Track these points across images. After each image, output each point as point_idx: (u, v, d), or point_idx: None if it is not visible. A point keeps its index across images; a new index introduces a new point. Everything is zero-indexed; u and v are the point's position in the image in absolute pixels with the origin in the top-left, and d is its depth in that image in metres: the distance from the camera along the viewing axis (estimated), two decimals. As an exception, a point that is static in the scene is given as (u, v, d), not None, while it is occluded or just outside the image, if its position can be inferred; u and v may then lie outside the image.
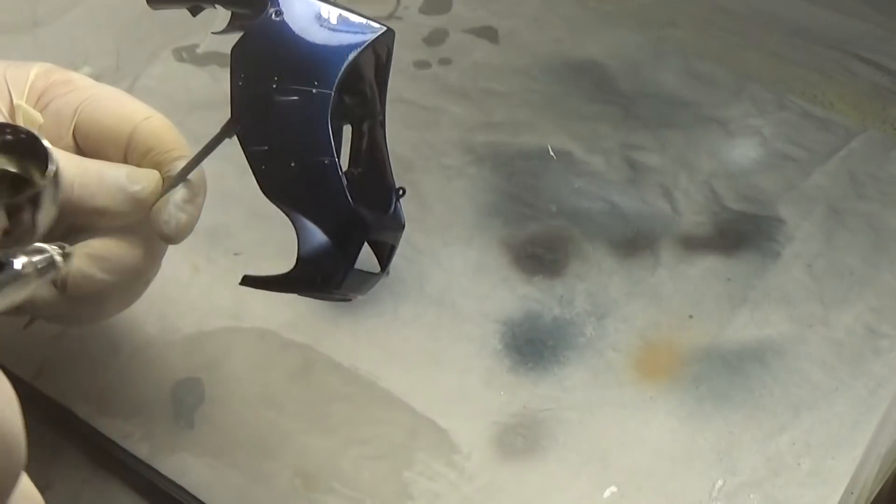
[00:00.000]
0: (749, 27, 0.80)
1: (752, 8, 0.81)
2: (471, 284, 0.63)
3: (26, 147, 0.43)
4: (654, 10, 0.81)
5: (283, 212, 0.45)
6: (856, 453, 0.56)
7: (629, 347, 0.61)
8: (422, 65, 0.76)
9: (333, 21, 0.46)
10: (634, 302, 0.63)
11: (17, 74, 0.48)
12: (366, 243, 0.48)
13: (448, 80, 0.75)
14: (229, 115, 0.46)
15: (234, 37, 0.46)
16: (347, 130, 0.51)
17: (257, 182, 0.45)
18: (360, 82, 0.48)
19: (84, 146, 0.49)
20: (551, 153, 0.71)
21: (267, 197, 0.45)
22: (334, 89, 0.45)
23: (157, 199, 0.47)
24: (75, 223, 0.48)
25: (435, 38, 0.78)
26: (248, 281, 0.47)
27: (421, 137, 0.71)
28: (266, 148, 0.45)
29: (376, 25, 0.46)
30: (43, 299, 0.46)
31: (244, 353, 0.60)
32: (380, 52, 0.48)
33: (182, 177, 0.47)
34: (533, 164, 0.70)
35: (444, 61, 0.77)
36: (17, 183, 0.43)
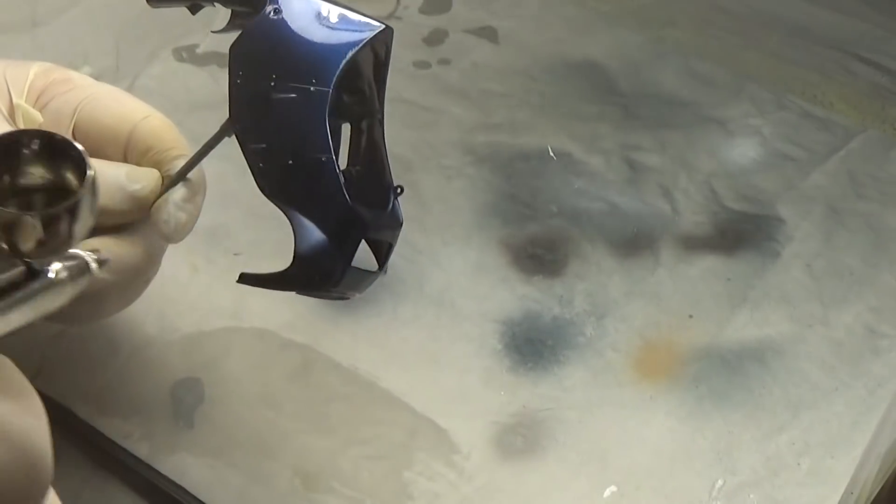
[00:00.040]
0: (749, 27, 0.80)
1: (751, 8, 0.81)
2: (470, 284, 0.63)
3: (61, 153, 0.41)
4: (653, 10, 0.81)
5: (281, 210, 0.45)
6: (856, 453, 0.56)
7: (629, 347, 0.60)
8: (421, 65, 0.76)
9: (332, 19, 0.46)
10: (634, 302, 0.63)
11: (16, 73, 0.48)
12: (364, 241, 0.48)
13: (448, 80, 0.75)
14: (228, 115, 0.46)
15: (234, 36, 0.46)
16: (346, 129, 0.51)
17: (255, 180, 0.45)
18: (359, 80, 0.48)
19: (83, 145, 0.48)
20: (551, 153, 0.71)
21: (265, 195, 0.45)
22: (332, 87, 0.45)
23: (157, 198, 0.47)
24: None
25: (435, 38, 0.78)
26: (245, 279, 0.47)
27: (420, 137, 0.71)
28: (264, 146, 0.45)
29: (375, 23, 0.46)
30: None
31: (243, 352, 0.60)
32: (378, 50, 0.48)
33: (181, 176, 0.47)
34: (532, 165, 0.70)
35: (444, 61, 0.77)
36: (52, 191, 0.42)
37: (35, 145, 0.42)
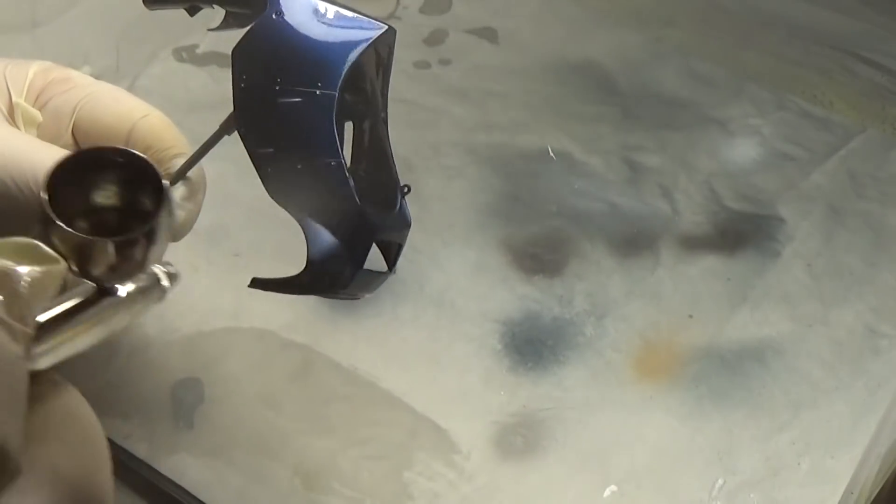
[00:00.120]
0: (749, 27, 0.80)
1: (751, 8, 0.81)
2: (470, 284, 0.63)
3: (136, 173, 0.41)
4: (653, 10, 0.81)
5: (291, 214, 0.45)
6: (856, 453, 0.56)
7: (629, 347, 0.60)
8: (422, 65, 0.76)
9: (334, 20, 0.45)
10: (634, 302, 0.63)
11: (16, 73, 0.48)
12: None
13: (448, 80, 0.75)
14: (233, 118, 0.45)
15: (234, 37, 0.46)
16: (349, 128, 0.51)
17: (264, 185, 0.45)
18: (362, 81, 0.48)
19: (83, 144, 0.49)
20: (551, 154, 0.70)
21: (274, 200, 0.45)
22: (338, 90, 0.44)
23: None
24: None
25: (435, 39, 0.78)
26: (257, 283, 0.47)
27: (421, 138, 0.71)
28: (271, 150, 0.44)
29: (377, 24, 0.46)
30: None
31: (243, 353, 0.60)
32: (381, 50, 0.48)
33: (181, 174, 0.47)
34: (533, 165, 0.70)
35: (444, 61, 0.77)
36: (125, 211, 0.42)
37: (109, 164, 0.41)
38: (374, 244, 0.48)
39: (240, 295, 0.61)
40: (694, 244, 0.66)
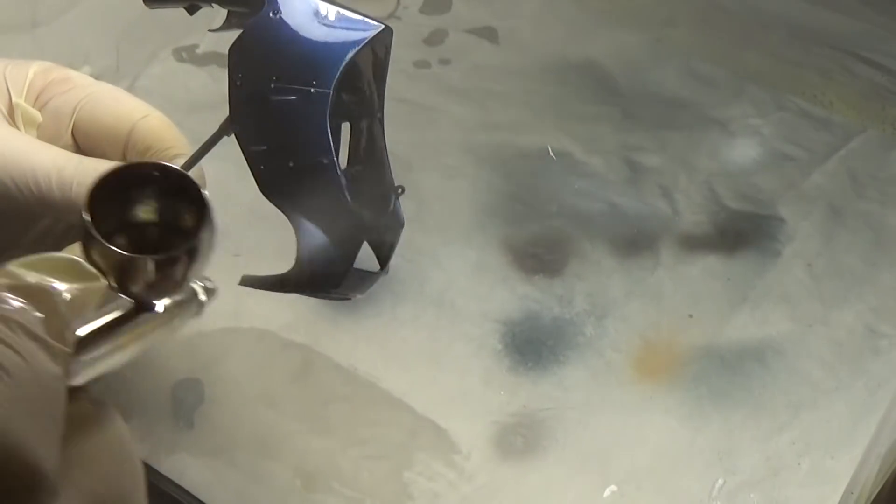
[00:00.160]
0: (749, 27, 0.80)
1: (751, 8, 0.81)
2: (470, 284, 0.63)
3: (176, 188, 0.40)
4: (653, 10, 0.81)
5: (283, 212, 0.45)
6: (856, 453, 0.56)
7: (629, 347, 0.60)
8: (422, 65, 0.76)
9: (331, 19, 0.45)
10: (634, 302, 0.63)
11: (15, 73, 0.48)
12: (365, 242, 0.48)
13: (448, 80, 0.75)
14: (228, 115, 0.45)
15: (234, 36, 0.46)
16: (346, 129, 0.51)
17: (256, 182, 0.45)
18: (359, 80, 0.48)
19: (83, 144, 0.49)
20: (551, 153, 0.70)
21: (266, 197, 0.45)
22: (333, 89, 0.44)
23: (156, 198, 0.47)
24: (74, 222, 0.48)
25: (435, 38, 0.78)
26: (246, 281, 0.47)
27: (421, 137, 0.71)
28: (265, 148, 0.45)
29: (374, 23, 0.46)
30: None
31: (243, 353, 0.60)
32: (378, 50, 0.48)
33: (181, 175, 0.46)
34: (533, 165, 0.70)
35: (444, 61, 0.77)
36: (165, 227, 0.41)
37: (148, 179, 0.40)
38: (366, 244, 0.48)
39: (240, 295, 0.60)
40: (694, 244, 0.66)
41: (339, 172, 0.45)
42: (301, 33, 0.45)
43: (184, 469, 0.55)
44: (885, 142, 0.72)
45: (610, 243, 0.65)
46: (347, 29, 0.45)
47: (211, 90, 0.73)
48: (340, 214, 0.45)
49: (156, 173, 0.40)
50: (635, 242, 0.66)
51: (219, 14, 0.50)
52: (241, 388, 0.58)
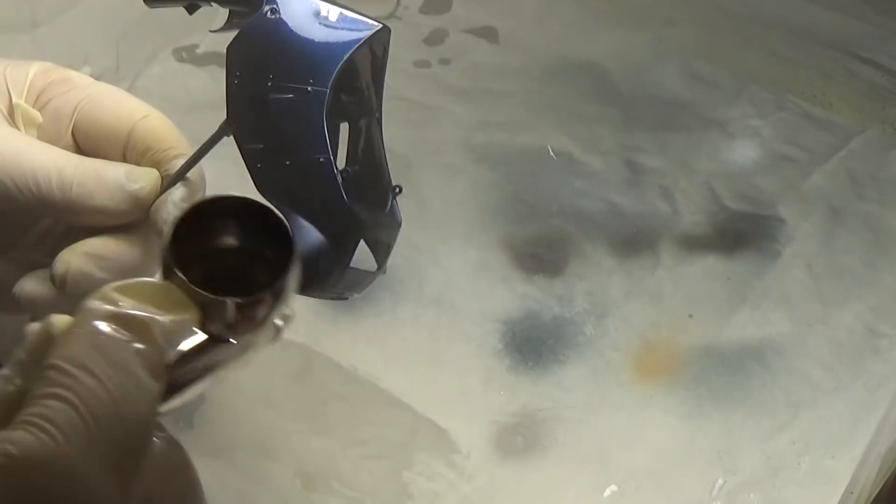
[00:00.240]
0: (749, 27, 0.80)
1: (751, 8, 0.81)
2: (470, 284, 0.63)
3: (259, 222, 0.40)
4: (653, 10, 0.81)
5: (279, 211, 0.45)
6: (856, 453, 0.56)
7: (629, 347, 0.60)
8: (422, 64, 0.76)
9: (329, 18, 0.46)
10: (634, 301, 0.63)
11: (15, 73, 0.48)
12: (362, 241, 0.48)
13: (448, 79, 0.75)
14: (226, 115, 0.45)
15: (233, 36, 0.46)
16: (344, 129, 0.51)
17: (253, 180, 0.45)
18: (357, 80, 0.48)
19: (83, 145, 0.48)
20: (551, 153, 0.71)
21: (262, 195, 0.45)
22: (330, 87, 0.44)
23: (156, 198, 0.47)
24: (74, 222, 0.48)
25: (435, 38, 0.78)
26: None
27: (421, 136, 0.71)
28: (262, 146, 0.45)
29: (372, 23, 0.46)
30: (42, 298, 0.46)
31: (243, 352, 0.60)
32: (376, 49, 0.48)
33: (181, 175, 0.47)
34: (533, 164, 0.70)
35: (444, 61, 0.77)
36: (243, 260, 0.41)
37: (230, 211, 0.40)
38: (363, 243, 0.48)
39: (240, 295, 0.61)
40: (694, 244, 0.66)
41: (335, 171, 0.45)
42: (299, 32, 0.45)
43: (184, 469, 0.55)
44: (885, 142, 0.72)
45: (610, 243, 0.66)
46: (345, 28, 0.45)
47: (211, 90, 0.73)
48: (337, 213, 0.45)
49: (241, 206, 0.40)
50: (635, 242, 0.66)
51: (219, 14, 0.50)
52: (241, 388, 0.58)
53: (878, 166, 0.70)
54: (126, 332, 0.35)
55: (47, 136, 0.48)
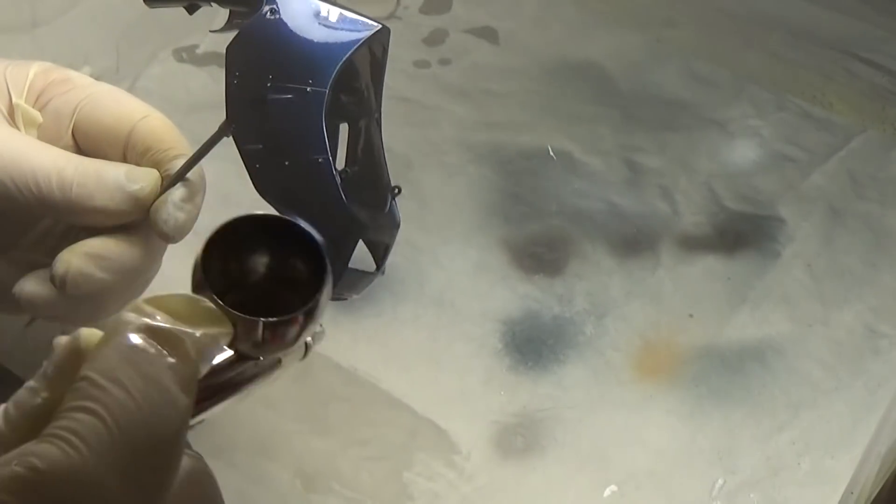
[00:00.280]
0: (749, 27, 0.80)
1: (751, 8, 0.81)
2: (470, 284, 0.63)
3: (291, 241, 0.40)
4: (653, 10, 0.81)
5: (278, 211, 0.45)
6: (856, 453, 0.56)
7: (629, 346, 0.60)
8: (422, 64, 0.76)
9: (329, 19, 0.46)
10: (634, 301, 0.63)
11: (16, 73, 0.48)
12: (361, 242, 0.48)
13: (448, 79, 0.75)
14: (225, 116, 0.45)
15: (233, 36, 0.46)
16: (344, 129, 0.51)
17: (252, 181, 0.45)
18: (356, 80, 0.48)
19: (83, 145, 0.49)
20: (551, 153, 0.71)
21: (261, 196, 0.45)
22: (329, 87, 0.44)
23: (156, 198, 0.47)
24: (74, 222, 0.48)
25: (435, 38, 0.78)
26: None
27: (421, 136, 0.71)
28: (260, 146, 0.45)
29: (371, 23, 0.46)
30: (42, 298, 0.46)
31: (243, 353, 0.60)
32: (375, 50, 0.48)
33: (181, 175, 0.47)
34: (533, 164, 0.70)
35: (444, 61, 0.77)
36: (274, 279, 0.41)
37: (260, 229, 0.40)
38: (362, 244, 0.48)
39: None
40: (694, 244, 0.66)
41: (334, 171, 0.45)
42: (298, 33, 0.45)
43: (184, 469, 0.55)
44: (885, 142, 0.72)
45: (610, 243, 0.66)
46: (344, 29, 0.45)
47: (211, 91, 0.73)
48: (336, 214, 0.45)
49: (271, 224, 0.40)
50: (635, 242, 0.66)
51: (219, 14, 0.50)
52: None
53: (878, 166, 0.70)
54: (160, 346, 0.35)
55: (47, 136, 0.48)
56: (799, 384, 0.59)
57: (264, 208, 0.45)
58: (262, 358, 0.41)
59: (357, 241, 0.47)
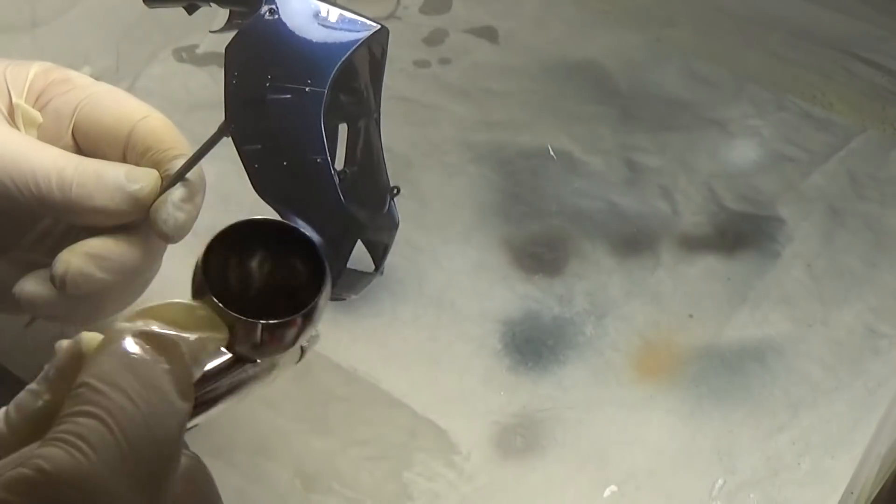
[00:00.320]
0: (749, 27, 0.80)
1: (751, 8, 0.81)
2: (470, 283, 0.63)
3: (289, 245, 0.40)
4: (653, 10, 0.81)
5: (277, 211, 0.45)
6: (856, 453, 0.56)
7: (629, 347, 0.60)
8: (422, 64, 0.76)
9: (327, 19, 0.46)
10: (634, 301, 0.63)
11: (16, 73, 0.48)
12: (360, 242, 0.48)
13: (448, 79, 0.75)
14: (224, 116, 0.45)
15: (232, 36, 0.46)
16: (343, 129, 0.51)
17: (250, 181, 0.45)
18: (355, 80, 0.48)
19: (83, 145, 0.49)
20: (551, 153, 0.71)
21: (260, 196, 0.45)
22: (328, 88, 0.44)
23: (156, 198, 0.47)
24: (74, 222, 0.48)
25: (435, 38, 0.78)
26: None
27: (421, 135, 0.71)
28: (259, 147, 0.45)
29: (370, 23, 0.46)
30: (42, 298, 0.46)
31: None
32: (374, 50, 0.48)
33: (180, 176, 0.47)
34: (533, 164, 0.70)
35: (444, 61, 0.77)
36: (272, 281, 0.41)
37: (260, 233, 0.40)
38: (361, 244, 0.48)
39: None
40: (694, 244, 0.66)
41: (333, 172, 0.45)
42: (297, 33, 0.45)
43: (184, 469, 0.55)
44: (885, 142, 0.72)
45: (610, 243, 0.66)
46: (343, 29, 0.45)
47: (211, 90, 0.73)
48: (334, 214, 0.45)
49: (270, 229, 0.41)
50: (635, 242, 0.66)
51: (219, 14, 0.50)
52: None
53: (878, 166, 0.70)
54: (155, 351, 0.35)
55: (47, 136, 0.48)
56: (799, 384, 0.59)
57: (264, 209, 0.45)
58: (259, 360, 0.41)
59: (356, 242, 0.47)
